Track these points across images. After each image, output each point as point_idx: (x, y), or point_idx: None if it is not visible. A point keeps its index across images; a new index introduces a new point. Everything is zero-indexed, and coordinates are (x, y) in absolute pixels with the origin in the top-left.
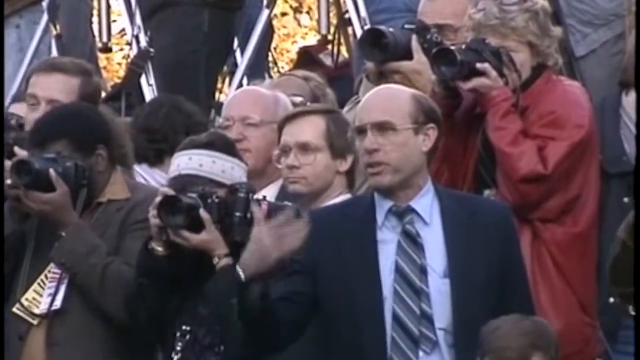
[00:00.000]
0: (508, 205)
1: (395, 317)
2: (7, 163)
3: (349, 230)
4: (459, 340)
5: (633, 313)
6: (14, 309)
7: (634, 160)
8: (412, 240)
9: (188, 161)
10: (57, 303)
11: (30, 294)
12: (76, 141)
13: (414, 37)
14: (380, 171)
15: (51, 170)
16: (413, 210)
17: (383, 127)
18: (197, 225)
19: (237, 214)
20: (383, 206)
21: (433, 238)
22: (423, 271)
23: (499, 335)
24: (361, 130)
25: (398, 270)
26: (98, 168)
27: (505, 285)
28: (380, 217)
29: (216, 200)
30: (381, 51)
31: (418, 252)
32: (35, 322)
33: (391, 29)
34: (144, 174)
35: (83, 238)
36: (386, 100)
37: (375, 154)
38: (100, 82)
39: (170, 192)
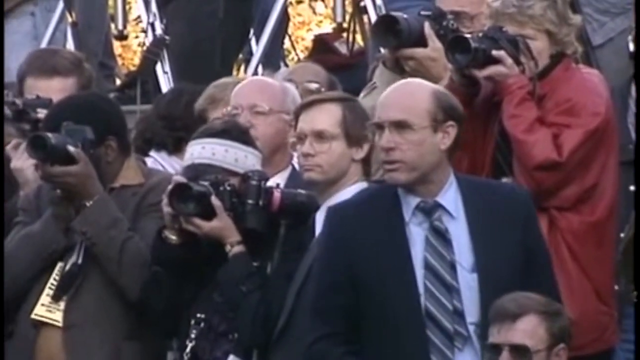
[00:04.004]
0: (527, 190)
1: (429, 314)
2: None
3: (377, 229)
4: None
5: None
6: (33, 315)
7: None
8: (440, 236)
9: (201, 150)
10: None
11: (44, 299)
12: None
13: (427, 24)
14: (396, 168)
15: (69, 146)
16: (440, 206)
17: (400, 126)
18: (208, 213)
19: (250, 201)
20: (409, 202)
21: (459, 232)
22: (452, 267)
23: (501, 299)
24: (379, 126)
25: (428, 266)
26: (107, 159)
27: (529, 270)
28: (407, 213)
29: (228, 188)
30: (395, 37)
31: (447, 247)
32: (59, 323)
33: (405, 16)
34: (162, 161)
35: (106, 210)
36: (405, 97)
37: (391, 152)
38: (90, 70)
39: (182, 179)
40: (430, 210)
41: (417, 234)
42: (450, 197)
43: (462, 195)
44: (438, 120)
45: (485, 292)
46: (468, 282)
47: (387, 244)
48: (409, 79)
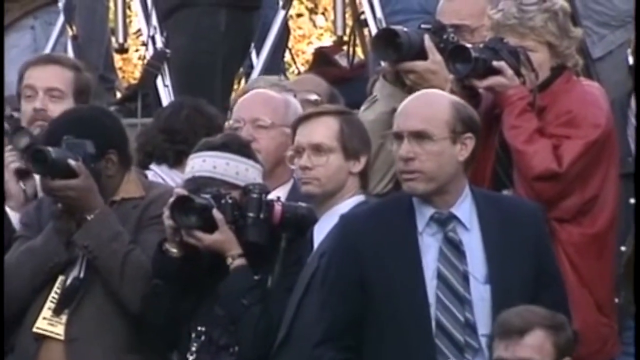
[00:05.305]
0: (538, 204)
1: (440, 325)
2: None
3: (390, 238)
4: None
5: None
6: (35, 329)
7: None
8: (454, 247)
9: (202, 163)
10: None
11: (46, 313)
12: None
13: (427, 37)
14: (415, 178)
15: (70, 160)
16: (455, 217)
17: (420, 136)
18: (210, 226)
19: (251, 214)
20: (424, 212)
21: (473, 244)
22: (465, 278)
23: (505, 313)
24: (398, 136)
25: (440, 277)
26: (108, 172)
27: (540, 282)
28: (421, 223)
29: (230, 201)
30: (395, 51)
31: (460, 259)
32: (61, 337)
33: (405, 29)
34: (162, 175)
35: (108, 223)
36: (425, 108)
37: (410, 162)
38: (90, 79)
39: (184, 192)
40: (444, 221)
41: (430, 244)
42: (465, 208)
43: (476, 207)
44: (457, 132)
45: (498, 304)
46: (481, 294)
47: (399, 253)
48: (429, 90)
